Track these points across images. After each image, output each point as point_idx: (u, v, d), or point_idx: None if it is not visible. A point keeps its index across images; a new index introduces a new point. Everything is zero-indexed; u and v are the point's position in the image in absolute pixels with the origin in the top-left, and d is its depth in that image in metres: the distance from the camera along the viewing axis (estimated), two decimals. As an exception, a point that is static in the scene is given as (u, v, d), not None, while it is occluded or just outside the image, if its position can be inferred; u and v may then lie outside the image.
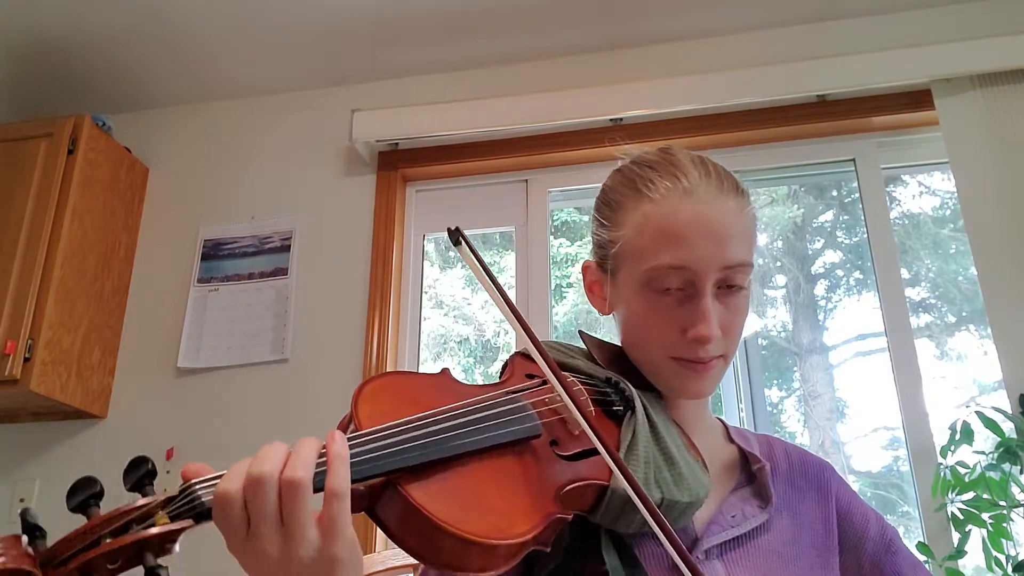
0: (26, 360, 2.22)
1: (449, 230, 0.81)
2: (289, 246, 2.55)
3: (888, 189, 2.41)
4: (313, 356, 2.41)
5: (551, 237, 2.50)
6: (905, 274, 2.32)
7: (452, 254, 2.81)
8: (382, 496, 0.64)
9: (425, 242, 2.64)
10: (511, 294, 2.47)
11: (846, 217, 2.66)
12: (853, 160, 2.37)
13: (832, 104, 2.35)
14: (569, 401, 0.74)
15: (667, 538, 0.68)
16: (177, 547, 0.57)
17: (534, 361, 0.82)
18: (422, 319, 2.53)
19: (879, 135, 2.37)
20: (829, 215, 2.76)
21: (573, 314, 2.76)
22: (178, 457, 2.36)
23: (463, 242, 0.81)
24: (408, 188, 2.63)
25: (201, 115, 2.82)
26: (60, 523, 0.58)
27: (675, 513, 0.77)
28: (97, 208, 2.52)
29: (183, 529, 0.57)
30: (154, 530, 0.55)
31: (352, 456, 0.61)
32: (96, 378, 2.45)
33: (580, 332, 0.99)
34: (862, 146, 2.37)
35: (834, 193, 2.67)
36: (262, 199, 2.65)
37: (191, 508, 0.57)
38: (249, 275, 2.54)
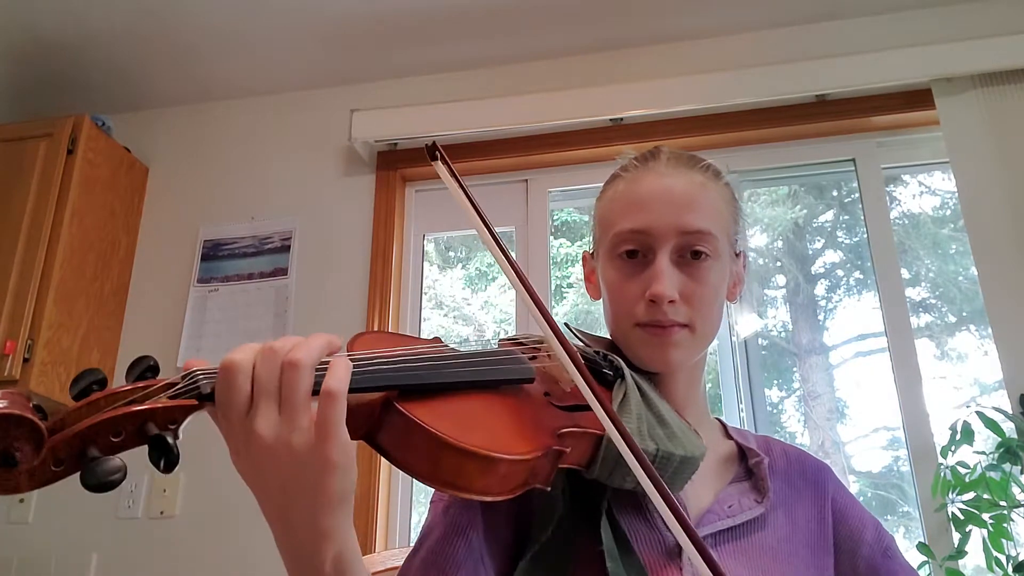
0: (25, 360, 2.22)
1: (427, 145, 0.80)
2: (289, 246, 2.55)
3: (888, 189, 2.41)
4: (313, 356, 2.40)
5: (551, 237, 2.50)
6: (905, 274, 2.32)
7: (452, 254, 2.81)
8: (381, 419, 0.64)
9: (425, 242, 2.64)
10: (510, 294, 2.47)
11: (846, 217, 2.66)
12: (853, 160, 2.37)
13: (832, 104, 2.35)
14: (561, 351, 0.72)
15: (657, 490, 0.66)
16: (180, 433, 0.57)
17: (524, 345, 0.84)
18: (422, 319, 2.53)
19: (879, 135, 2.37)
20: (829, 215, 2.76)
21: (573, 314, 2.76)
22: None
23: (439, 157, 0.79)
24: (408, 188, 2.63)
25: (201, 115, 2.82)
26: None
27: (671, 468, 0.76)
28: (97, 208, 2.52)
29: (187, 409, 0.57)
30: (159, 404, 0.55)
31: (353, 365, 0.62)
32: (96, 378, 2.44)
33: (566, 324, 0.99)
34: (862, 146, 2.37)
35: (834, 193, 2.67)
36: (262, 199, 2.65)
37: (194, 388, 0.58)
38: (249, 275, 2.54)
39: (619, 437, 0.68)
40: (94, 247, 2.50)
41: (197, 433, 2.44)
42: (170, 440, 0.55)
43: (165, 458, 0.54)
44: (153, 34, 2.53)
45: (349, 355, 0.64)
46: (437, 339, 0.81)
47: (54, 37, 2.53)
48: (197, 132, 2.80)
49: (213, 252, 2.60)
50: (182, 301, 2.55)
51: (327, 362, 0.61)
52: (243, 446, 0.59)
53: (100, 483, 0.51)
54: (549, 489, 0.69)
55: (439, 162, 0.79)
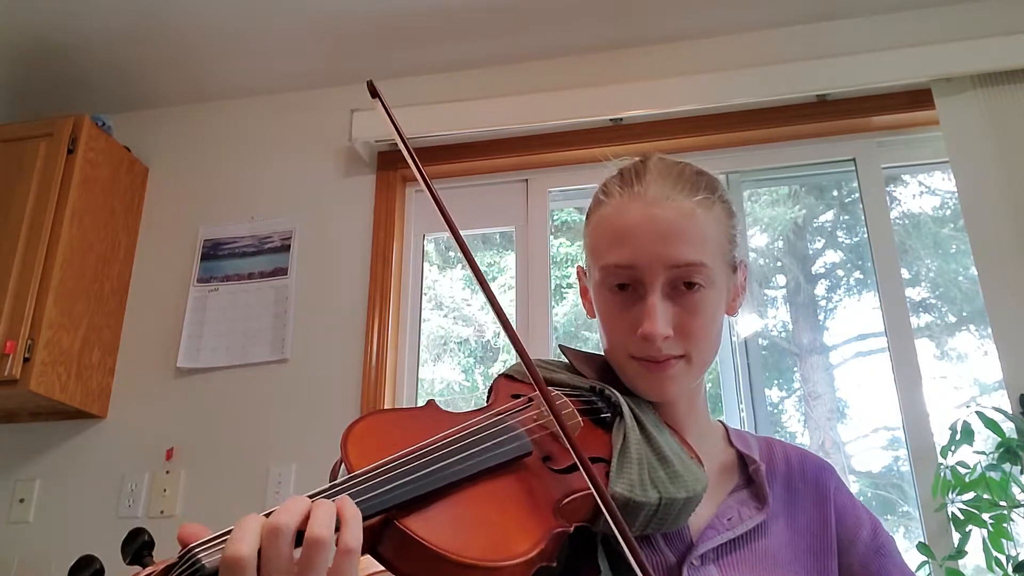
0: (26, 360, 2.22)
1: (368, 83, 0.79)
2: (289, 246, 2.55)
3: (888, 189, 2.41)
4: (313, 356, 2.41)
5: (551, 237, 2.50)
6: (905, 274, 2.32)
7: (452, 254, 2.81)
8: (382, 534, 0.63)
9: (425, 242, 2.64)
10: (510, 295, 2.47)
11: (846, 217, 2.66)
12: (853, 160, 2.37)
13: (832, 104, 2.35)
14: (547, 409, 0.73)
15: (628, 548, 0.66)
16: None
17: (518, 381, 0.83)
18: (422, 320, 2.53)
19: (879, 135, 2.37)
20: (829, 215, 2.76)
21: (573, 315, 2.76)
22: (178, 457, 2.36)
23: (378, 96, 0.79)
24: (408, 188, 2.63)
25: (201, 115, 2.82)
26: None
27: (674, 511, 0.77)
28: (97, 208, 2.52)
29: None
30: None
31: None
32: (96, 378, 2.45)
33: (560, 346, 0.99)
34: (862, 146, 2.37)
35: (834, 193, 2.67)
36: (262, 199, 2.65)
37: (197, 571, 0.56)
38: (249, 275, 2.54)
39: (607, 512, 0.68)
40: (94, 247, 2.50)
41: (198, 432, 2.44)
42: None
43: None
44: (153, 34, 2.53)
45: (343, 481, 0.64)
46: (431, 403, 0.81)
47: (54, 37, 2.53)
48: (197, 132, 2.80)
49: (213, 252, 2.60)
50: (182, 301, 2.55)
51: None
52: None
53: None
54: (555, 565, 0.68)
55: (377, 100, 0.78)
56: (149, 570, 0.56)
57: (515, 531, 0.66)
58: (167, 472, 2.34)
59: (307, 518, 0.58)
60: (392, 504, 0.63)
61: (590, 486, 0.70)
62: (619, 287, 0.86)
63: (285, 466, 2.28)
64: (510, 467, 0.72)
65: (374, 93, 0.78)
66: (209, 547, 0.57)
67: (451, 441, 0.71)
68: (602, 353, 0.96)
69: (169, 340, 2.51)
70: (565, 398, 0.84)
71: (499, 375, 0.92)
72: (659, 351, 0.85)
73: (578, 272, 1.00)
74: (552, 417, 0.74)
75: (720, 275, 0.88)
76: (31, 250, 2.34)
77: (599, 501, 0.69)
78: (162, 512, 2.31)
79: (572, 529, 0.69)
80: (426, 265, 2.61)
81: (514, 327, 0.77)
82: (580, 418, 0.82)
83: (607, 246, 0.87)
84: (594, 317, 0.96)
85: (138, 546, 0.58)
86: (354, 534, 0.58)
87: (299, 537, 0.57)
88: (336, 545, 0.58)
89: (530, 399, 0.82)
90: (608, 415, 0.84)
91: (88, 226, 2.48)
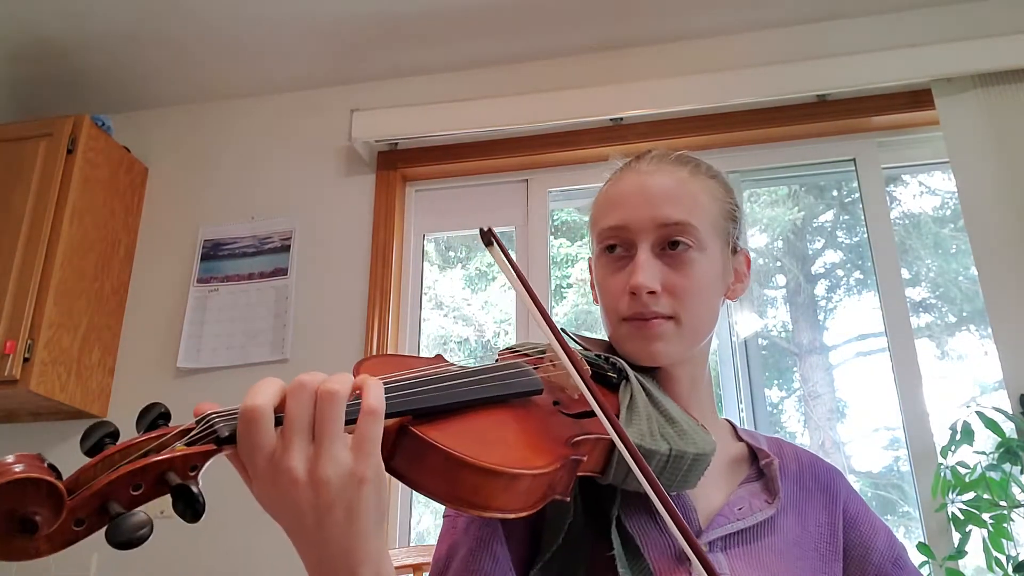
0: (25, 360, 2.22)
1: (481, 230, 0.82)
2: (289, 246, 2.55)
3: (888, 189, 2.41)
4: (313, 356, 2.41)
5: (551, 237, 2.50)
6: (905, 274, 2.32)
7: (452, 254, 2.81)
8: (397, 445, 0.63)
9: (425, 242, 2.63)
10: (511, 295, 2.47)
11: (846, 217, 2.66)
12: (853, 160, 2.37)
13: (832, 104, 2.35)
14: (566, 359, 0.73)
15: (658, 497, 0.66)
16: (200, 479, 0.55)
17: (523, 354, 0.84)
18: (422, 319, 2.53)
19: (879, 135, 2.37)
20: (829, 215, 2.76)
21: (573, 314, 2.76)
22: (178, 457, 2.36)
23: (495, 243, 0.81)
24: (408, 188, 2.63)
25: (201, 115, 2.82)
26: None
27: (684, 467, 0.76)
28: (96, 208, 2.52)
29: (206, 454, 0.56)
30: (177, 452, 0.54)
31: None
32: (96, 378, 2.45)
33: (563, 330, 1.00)
34: (862, 146, 2.37)
35: (834, 193, 2.67)
36: (262, 199, 2.65)
37: (211, 433, 0.56)
38: (249, 275, 2.54)
39: (623, 446, 0.68)
40: (94, 247, 2.50)
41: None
42: (194, 489, 0.53)
43: (191, 508, 0.53)
44: (153, 34, 2.53)
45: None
46: (439, 356, 0.81)
47: (54, 37, 2.53)
48: (197, 132, 2.80)
49: (213, 252, 2.60)
50: (182, 301, 2.55)
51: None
52: (271, 485, 0.58)
53: (127, 540, 0.50)
54: (568, 499, 0.68)
55: (495, 246, 0.81)
56: (162, 431, 0.56)
57: (531, 450, 0.66)
58: (167, 472, 2.34)
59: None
60: (409, 408, 0.63)
61: (605, 422, 0.69)
62: (609, 249, 0.91)
63: (285, 466, 2.28)
64: (522, 401, 0.73)
65: (488, 242, 0.81)
66: (227, 415, 0.58)
67: (466, 372, 0.72)
68: (605, 340, 0.96)
69: (169, 340, 2.51)
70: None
71: (503, 349, 0.92)
72: (646, 306, 0.86)
73: (589, 263, 1.02)
74: (563, 362, 0.74)
75: (712, 243, 0.90)
76: (31, 250, 2.34)
77: (616, 439, 0.68)
78: (162, 512, 2.29)
79: (585, 458, 0.69)
80: (426, 265, 2.61)
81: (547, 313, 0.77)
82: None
83: (602, 213, 0.93)
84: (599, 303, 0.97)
85: (155, 416, 0.58)
86: (376, 395, 0.59)
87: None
88: (360, 407, 0.59)
89: (542, 352, 0.84)
90: (614, 376, 0.85)
91: (88, 226, 2.48)
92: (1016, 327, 2.02)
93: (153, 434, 0.56)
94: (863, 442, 2.43)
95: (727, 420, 1.02)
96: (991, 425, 1.88)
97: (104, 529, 0.51)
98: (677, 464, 0.75)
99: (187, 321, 2.51)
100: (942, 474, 1.90)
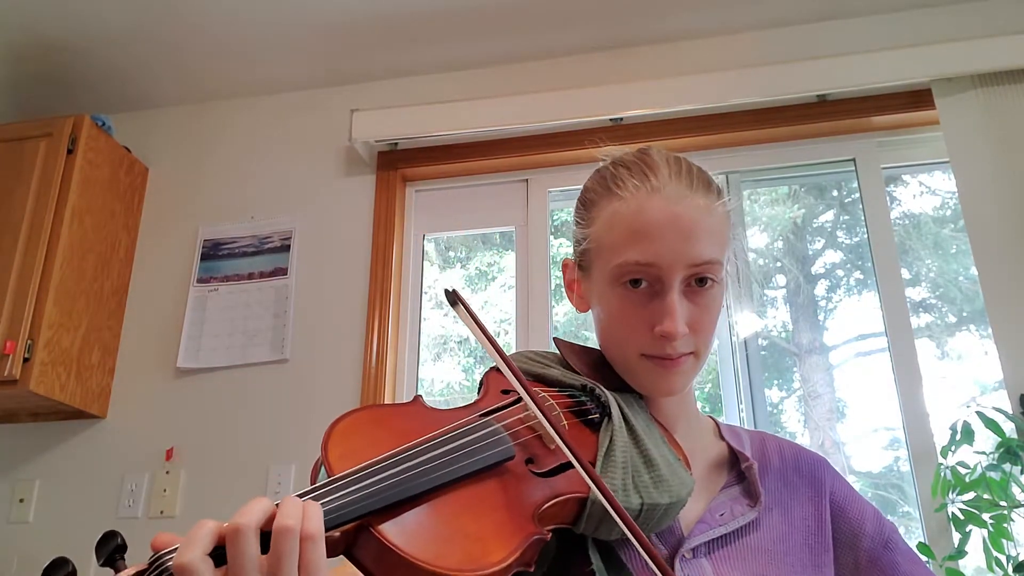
0: (25, 360, 2.22)
1: (446, 291, 0.80)
2: (289, 246, 2.55)
3: (888, 189, 2.41)
4: (313, 356, 2.41)
5: (551, 237, 2.50)
6: (905, 274, 2.32)
7: (452, 254, 2.81)
8: (357, 539, 0.63)
9: (425, 242, 2.63)
10: (510, 295, 2.48)
11: (846, 217, 2.66)
12: (853, 160, 2.37)
13: (832, 104, 2.35)
14: (541, 416, 0.73)
15: (642, 547, 0.67)
16: None
17: (506, 393, 0.83)
18: (422, 319, 2.53)
19: (879, 135, 2.37)
20: (829, 215, 2.76)
21: (573, 314, 2.75)
22: (178, 457, 2.36)
23: (459, 303, 0.79)
24: (408, 188, 2.63)
25: (201, 115, 2.82)
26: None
27: (657, 515, 0.77)
28: (97, 208, 2.52)
29: None
30: None
31: (324, 505, 0.61)
32: (96, 378, 2.45)
33: (555, 339, 0.99)
34: (862, 146, 2.37)
35: (834, 193, 2.67)
36: (262, 199, 2.65)
37: None
38: (249, 275, 2.54)
39: (608, 503, 0.69)
40: (94, 247, 2.50)
41: (197, 433, 2.44)
42: None
43: None
44: (153, 34, 2.53)
45: (320, 487, 0.64)
46: (417, 398, 0.81)
47: (54, 37, 2.53)
48: (197, 132, 2.80)
49: (213, 252, 2.60)
50: (182, 301, 2.55)
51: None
52: None
53: None
54: (532, 570, 0.68)
55: (459, 306, 0.78)
56: (120, 574, 0.56)
57: (492, 539, 0.65)
58: (167, 472, 2.34)
59: (271, 517, 0.58)
60: (368, 510, 0.63)
61: (588, 482, 0.70)
62: (632, 283, 0.85)
63: (285, 466, 2.28)
64: (491, 471, 0.72)
65: (453, 302, 0.79)
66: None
67: (432, 445, 0.70)
68: (597, 348, 0.96)
69: (169, 340, 2.51)
70: (552, 400, 0.84)
71: (491, 368, 0.91)
72: (675, 349, 0.85)
73: (565, 265, 0.99)
74: (538, 418, 0.74)
75: (725, 273, 0.89)
76: (31, 250, 2.34)
77: (602, 499, 0.69)
78: (162, 512, 2.31)
79: (549, 536, 0.69)
80: (426, 265, 2.61)
81: (502, 349, 0.77)
82: (565, 422, 0.82)
83: (625, 243, 0.85)
84: (585, 311, 0.95)
85: (111, 549, 0.59)
86: (315, 523, 0.58)
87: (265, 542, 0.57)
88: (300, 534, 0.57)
89: (518, 398, 0.82)
90: (596, 415, 0.84)
91: (88, 226, 2.48)
92: (1016, 327, 2.02)
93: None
94: (863, 442, 2.43)
95: (710, 417, 1.01)
96: (991, 425, 1.88)
97: None
98: (650, 514, 0.76)
99: (187, 321, 2.51)
100: (942, 474, 1.90)
